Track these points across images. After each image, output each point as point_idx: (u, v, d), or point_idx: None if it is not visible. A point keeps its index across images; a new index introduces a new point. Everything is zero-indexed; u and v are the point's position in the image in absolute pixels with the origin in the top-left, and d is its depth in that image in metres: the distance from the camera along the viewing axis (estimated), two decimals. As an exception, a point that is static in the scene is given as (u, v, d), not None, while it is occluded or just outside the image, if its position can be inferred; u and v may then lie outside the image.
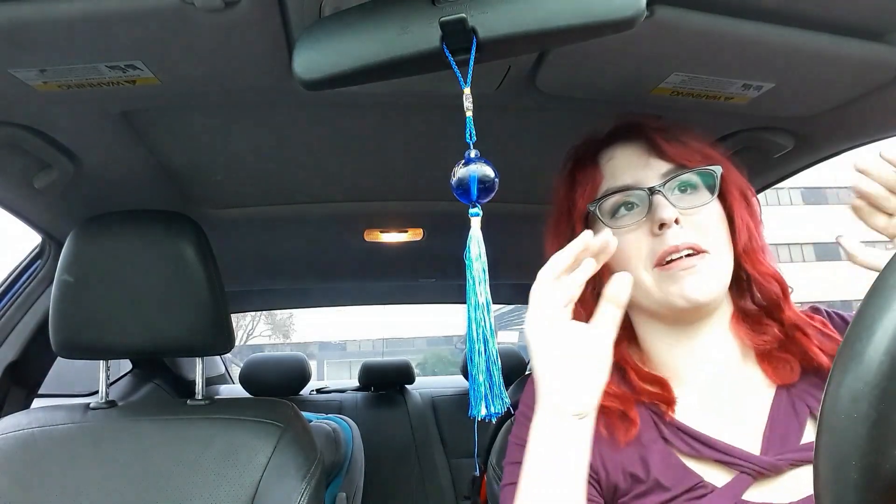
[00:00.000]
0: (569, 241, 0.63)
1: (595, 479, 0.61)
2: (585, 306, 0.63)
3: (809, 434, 0.58)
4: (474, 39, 0.47)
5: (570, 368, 0.53)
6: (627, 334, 0.68)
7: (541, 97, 0.75)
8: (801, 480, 0.56)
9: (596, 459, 0.61)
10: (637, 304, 0.65)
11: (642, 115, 0.70)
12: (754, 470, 0.56)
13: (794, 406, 0.60)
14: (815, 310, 0.68)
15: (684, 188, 0.63)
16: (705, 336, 0.64)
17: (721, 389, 0.63)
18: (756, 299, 0.66)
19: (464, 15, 0.46)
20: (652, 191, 0.62)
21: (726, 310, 0.66)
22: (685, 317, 0.63)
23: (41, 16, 0.53)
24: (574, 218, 0.67)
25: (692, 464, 0.59)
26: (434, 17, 0.47)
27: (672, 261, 0.60)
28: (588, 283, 0.64)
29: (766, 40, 0.62)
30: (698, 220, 0.61)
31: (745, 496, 0.56)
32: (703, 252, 0.60)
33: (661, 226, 0.60)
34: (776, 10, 0.60)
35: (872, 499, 0.28)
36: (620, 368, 0.64)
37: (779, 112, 0.80)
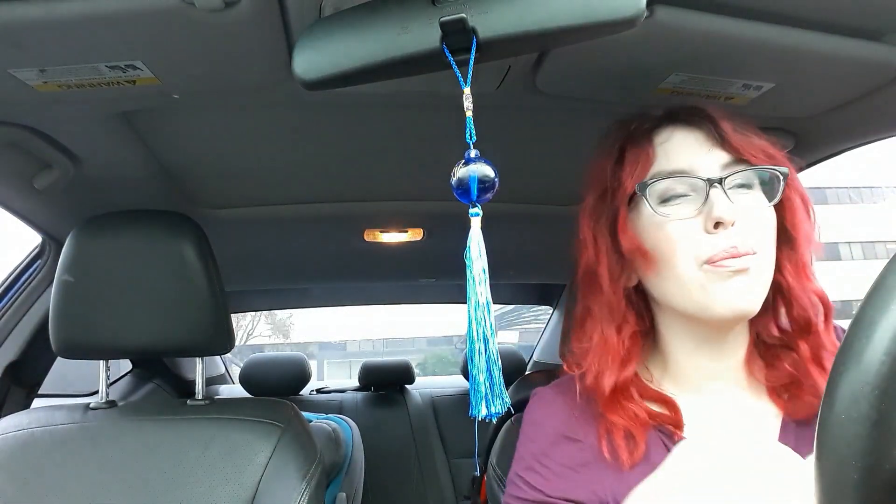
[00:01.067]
0: (609, 223, 0.61)
1: None
2: (618, 303, 0.61)
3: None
4: (474, 39, 0.47)
5: None
6: (642, 346, 0.63)
7: (541, 97, 0.75)
8: None
9: (608, 498, 0.57)
10: (669, 307, 0.60)
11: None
12: None
13: (797, 441, 0.56)
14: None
15: (742, 185, 0.57)
16: (727, 358, 0.60)
17: (727, 417, 0.59)
18: (781, 323, 0.61)
19: (464, 15, 0.46)
20: (711, 182, 0.55)
21: (742, 334, 0.61)
22: (720, 327, 0.59)
23: (41, 16, 0.53)
24: (618, 198, 0.60)
25: None
26: (434, 17, 0.47)
27: (722, 263, 0.54)
28: (622, 275, 0.61)
29: (766, 40, 0.62)
30: (754, 223, 0.56)
31: None
32: (752, 254, 0.55)
33: (717, 224, 0.54)
34: (776, 11, 0.60)
35: (872, 499, 0.28)
36: (626, 389, 0.60)
37: (779, 112, 0.80)
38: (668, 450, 0.56)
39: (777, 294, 0.60)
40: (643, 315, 0.64)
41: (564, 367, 0.65)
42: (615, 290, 0.61)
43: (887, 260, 0.32)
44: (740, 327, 0.60)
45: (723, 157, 0.57)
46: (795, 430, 0.57)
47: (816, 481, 0.30)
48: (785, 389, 0.59)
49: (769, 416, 0.59)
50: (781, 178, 0.57)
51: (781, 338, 0.61)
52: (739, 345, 0.61)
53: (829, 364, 0.57)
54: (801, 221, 0.59)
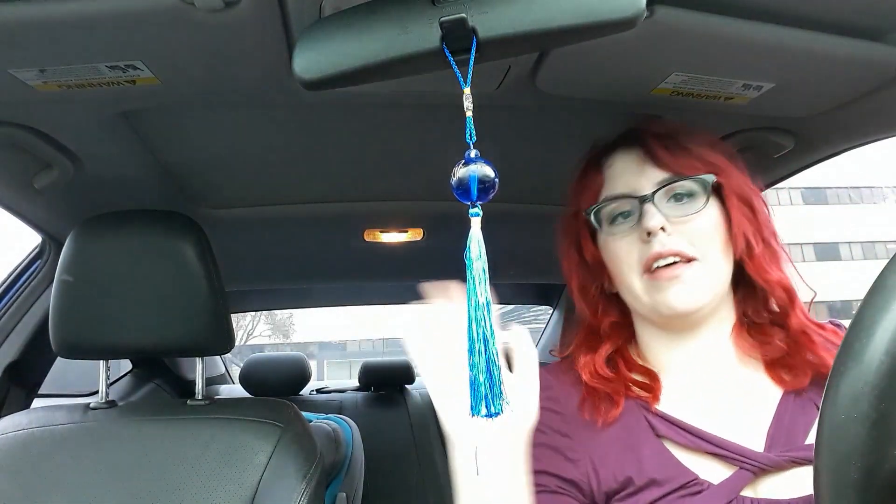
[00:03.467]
0: (574, 243, 0.71)
1: (580, 489, 0.61)
2: (590, 303, 0.70)
3: (813, 437, 0.58)
4: (474, 39, 0.47)
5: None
6: (627, 333, 0.70)
7: (541, 97, 0.75)
8: (803, 479, 0.55)
9: (587, 465, 0.61)
10: (634, 308, 0.68)
11: (650, 119, 0.70)
12: (754, 466, 0.56)
13: (803, 407, 0.60)
14: (836, 325, 0.67)
15: (680, 197, 0.63)
16: (701, 342, 0.65)
17: (721, 391, 0.63)
18: (770, 307, 0.66)
19: (464, 15, 0.46)
20: (643, 199, 0.63)
21: (727, 317, 0.66)
22: (677, 323, 0.64)
23: (41, 16, 0.53)
24: (579, 221, 0.70)
25: (687, 458, 0.59)
26: (434, 17, 0.47)
27: (658, 268, 0.61)
28: (592, 282, 0.69)
29: (766, 40, 0.62)
30: (689, 227, 0.62)
31: (744, 493, 0.56)
32: (692, 259, 0.61)
33: (649, 234, 0.61)
34: (776, 10, 0.60)
35: (872, 499, 0.28)
36: (613, 359, 0.67)
37: (779, 112, 0.80)
38: (650, 424, 0.61)
39: (747, 283, 0.66)
40: (626, 311, 0.70)
41: (557, 354, 0.73)
42: (585, 296, 0.70)
43: (887, 260, 0.32)
44: (717, 316, 0.65)
45: (657, 174, 0.64)
46: (794, 399, 0.61)
47: (816, 480, 0.30)
48: (780, 362, 0.63)
49: (768, 388, 0.63)
50: (708, 183, 0.63)
51: (770, 317, 0.66)
52: (717, 330, 0.65)
53: (816, 337, 0.62)
54: (738, 217, 0.63)
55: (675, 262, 0.61)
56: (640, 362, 0.67)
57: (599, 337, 0.68)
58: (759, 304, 0.66)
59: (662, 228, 0.61)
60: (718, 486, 0.56)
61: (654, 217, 0.61)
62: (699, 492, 0.56)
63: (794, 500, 0.55)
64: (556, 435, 0.64)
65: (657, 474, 0.58)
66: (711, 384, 0.64)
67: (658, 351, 0.67)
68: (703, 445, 0.58)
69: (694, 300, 0.61)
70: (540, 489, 0.59)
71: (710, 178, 0.63)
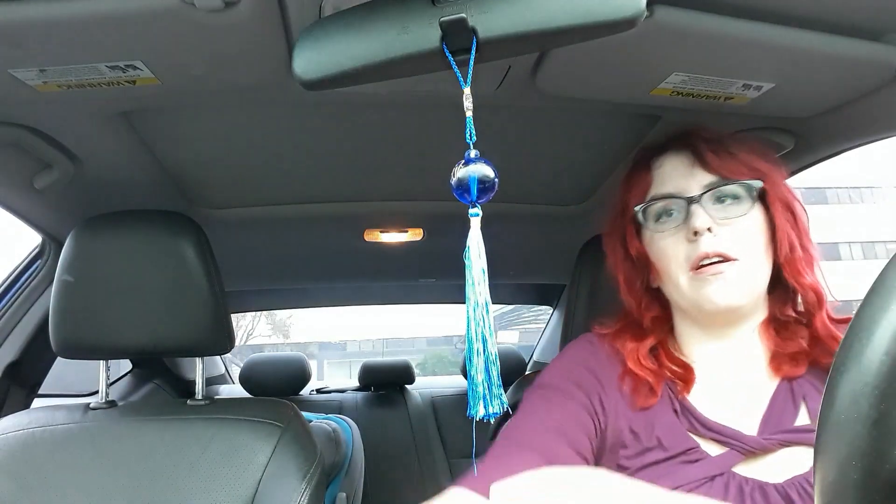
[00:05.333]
0: (620, 239, 0.74)
1: (593, 425, 0.67)
2: (635, 296, 0.73)
3: (803, 418, 0.63)
4: (474, 39, 0.47)
5: None
6: (667, 327, 0.74)
7: (541, 97, 0.75)
8: (791, 461, 0.61)
9: (606, 405, 0.67)
10: (675, 303, 0.72)
11: (700, 125, 0.73)
12: (743, 448, 0.62)
13: (793, 394, 0.65)
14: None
15: (724, 199, 0.66)
16: (733, 339, 0.69)
17: (733, 384, 0.67)
18: (797, 307, 0.70)
19: (464, 15, 0.46)
20: (690, 200, 0.66)
21: (759, 316, 0.69)
22: (716, 319, 0.68)
23: (41, 16, 0.53)
24: (625, 218, 0.73)
25: (692, 436, 0.65)
26: (434, 17, 0.47)
27: (703, 266, 0.64)
28: (637, 277, 0.73)
29: (766, 40, 0.62)
30: (733, 229, 0.65)
31: (735, 469, 0.61)
32: (733, 260, 0.64)
33: (695, 233, 0.64)
34: (776, 11, 0.60)
35: (872, 499, 0.28)
36: (655, 349, 0.71)
37: (779, 112, 0.80)
38: (672, 404, 0.67)
39: (782, 285, 0.69)
40: (667, 305, 0.74)
41: (595, 327, 0.76)
42: (631, 290, 0.74)
43: (887, 260, 0.32)
44: (750, 314, 0.68)
45: (705, 177, 0.67)
46: (788, 385, 0.65)
47: (816, 481, 0.30)
48: (789, 358, 0.66)
49: (768, 379, 0.67)
50: (754, 188, 0.66)
51: (797, 316, 0.70)
52: (749, 328, 0.69)
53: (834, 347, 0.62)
54: (782, 222, 0.67)
55: (719, 261, 0.64)
56: (677, 355, 0.71)
57: (643, 328, 0.72)
58: (787, 303, 0.70)
59: (709, 229, 0.64)
60: (714, 458, 0.62)
61: (700, 218, 0.64)
62: (697, 460, 0.62)
63: (781, 483, 0.60)
64: (588, 394, 0.69)
65: (665, 440, 0.64)
66: (734, 378, 0.68)
67: (693, 345, 0.71)
68: (705, 432, 0.64)
69: (735, 297, 0.64)
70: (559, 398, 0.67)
71: (758, 183, 0.66)
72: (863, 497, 0.28)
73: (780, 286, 0.69)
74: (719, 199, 0.66)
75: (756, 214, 0.66)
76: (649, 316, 0.73)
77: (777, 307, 0.70)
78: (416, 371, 2.61)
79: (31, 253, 1.23)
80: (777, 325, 0.69)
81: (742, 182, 0.66)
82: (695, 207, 0.65)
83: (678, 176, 0.69)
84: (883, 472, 0.28)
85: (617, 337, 0.73)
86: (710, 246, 0.64)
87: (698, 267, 0.65)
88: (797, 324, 0.69)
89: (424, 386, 2.63)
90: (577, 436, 0.65)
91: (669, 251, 0.67)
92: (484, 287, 0.48)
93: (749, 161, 0.68)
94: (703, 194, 0.66)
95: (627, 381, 0.69)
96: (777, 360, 0.67)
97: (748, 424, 0.63)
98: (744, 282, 0.65)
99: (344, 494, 1.23)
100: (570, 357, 0.75)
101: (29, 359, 1.20)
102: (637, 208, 0.70)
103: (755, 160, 0.68)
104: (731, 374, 0.68)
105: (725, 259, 0.64)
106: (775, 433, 0.62)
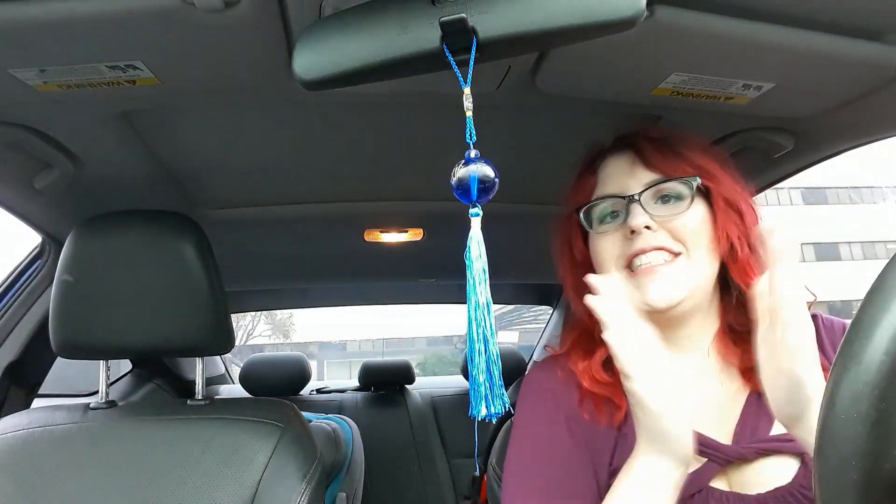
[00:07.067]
0: (567, 243, 0.73)
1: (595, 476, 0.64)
2: (584, 304, 0.66)
3: (778, 428, 0.60)
4: (474, 39, 0.47)
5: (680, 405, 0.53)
6: None
7: (541, 97, 0.75)
8: (768, 471, 0.59)
9: (577, 433, 0.65)
10: None
11: (642, 124, 0.72)
12: (720, 458, 0.59)
13: (765, 405, 0.61)
14: (812, 317, 0.67)
15: (667, 198, 0.65)
16: (686, 350, 0.67)
17: (702, 399, 0.65)
18: (753, 316, 0.66)
19: (464, 15, 0.46)
20: (630, 199, 0.65)
21: (711, 326, 0.68)
22: (660, 323, 0.64)
23: (41, 16, 0.53)
24: (571, 221, 0.72)
25: None
26: (434, 17, 0.47)
27: (638, 268, 0.63)
28: (584, 283, 0.68)
29: (766, 40, 0.62)
30: (674, 225, 0.64)
31: (717, 485, 0.59)
32: (676, 254, 0.63)
33: (633, 232, 0.63)
34: (776, 10, 0.60)
35: (872, 499, 0.28)
36: (609, 360, 0.66)
37: (779, 112, 0.80)
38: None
39: (731, 292, 0.67)
40: None
41: (549, 350, 0.75)
42: (579, 296, 0.69)
43: (887, 260, 0.32)
44: (700, 320, 0.67)
45: (646, 175, 0.66)
46: (759, 397, 0.61)
47: (816, 481, 0.30)
48: (752, 371, 0.63)
49: (739, 389, 0.65)
50: (692, 185, 0.65)
51: (751, 326, 0.65)
52: (702, 336, 0.68)
53: None
54: (723, 219, 0.65)
55: (655, 264, 0.63)
56: None
57: (594, 340, 0.68)
58: (742, 312, 0.66)
59: (647, 227, 0.63)
60: (690, 474, 0.58)
61: (639, 216, 0.63)
62: None
63: (762, 495, 0.57)
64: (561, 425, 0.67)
65: None
66: (701, 392, 0.65)
67: None
68: None
69: (671, 295, 0.62)
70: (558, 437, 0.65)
71: (696, 179, 0.65)
72: (863, 497, 0.28)
73: (730, 293, 0.67)
74: (663, 199, 0.65)
75: (698, 211, 0.65)
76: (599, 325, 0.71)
77: (730, 315, 0.67)
78: (416, 371, 2.61)
79: (31, 253, 1.23)
80: (735, 336, 0.67)
81: (682, 179, 0.65)
82: (633, 206, 0.64)
83: (621, 175, 0.68)
84: (883, 472, 0.28)
85: (568, 357, 0.71)
86: (647, 242, 0.63)
87: (634, 268, 0.63)
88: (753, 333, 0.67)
89: (424, 386, 2.63)
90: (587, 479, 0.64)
91: (607, 251, 0.66)
92: (485, 287, 0.48)
93: (694, 159, 0.66)
94: (642, 192, 0.65)
95: (587, 404, 0.66)
96: (747, 374, 0.64)
97: (721, 435, 0.61)
98: (680, 278, 0.63)
99: (344, 494, 1.23)
100: (534, 391, 0.72)
101: (29, 359, 1.20)
102: (578, 210, 0.69)
103: (701, 158, 0.67)
104: (696, 389, 0.66)
105: (665, 251, 0.63)
106: (752, 443, 0.60)
